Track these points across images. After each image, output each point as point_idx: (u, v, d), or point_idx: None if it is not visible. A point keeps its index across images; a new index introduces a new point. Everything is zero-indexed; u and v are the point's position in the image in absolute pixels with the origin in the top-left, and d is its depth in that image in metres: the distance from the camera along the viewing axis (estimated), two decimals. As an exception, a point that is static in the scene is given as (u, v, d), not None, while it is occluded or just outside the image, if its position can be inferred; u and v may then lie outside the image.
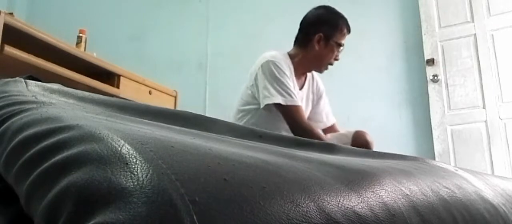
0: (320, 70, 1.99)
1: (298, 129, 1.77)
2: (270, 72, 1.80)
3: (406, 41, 3.17)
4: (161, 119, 0.60)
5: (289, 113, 1.79)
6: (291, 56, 1.93)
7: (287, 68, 1.85)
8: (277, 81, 1.79)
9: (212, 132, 0.60)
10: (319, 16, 1.95)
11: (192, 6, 3.90)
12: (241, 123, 1.87)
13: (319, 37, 1.89)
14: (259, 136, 0.64)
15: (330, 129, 2.05)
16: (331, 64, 1.95)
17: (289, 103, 1.78)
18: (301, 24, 1.98)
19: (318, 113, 2.06)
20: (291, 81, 1.84)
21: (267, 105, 1.79)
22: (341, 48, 1.93)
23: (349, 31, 1.94)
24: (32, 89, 0.64)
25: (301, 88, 1.97)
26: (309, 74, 2.03)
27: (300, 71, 1.95)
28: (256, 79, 1.86)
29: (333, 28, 1.90)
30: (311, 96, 2.04)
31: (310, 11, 1.99)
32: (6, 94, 0.59)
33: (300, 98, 1.92)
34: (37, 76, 0.73)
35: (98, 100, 0.65)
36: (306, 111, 1.98)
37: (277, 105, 1.78)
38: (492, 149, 2.79)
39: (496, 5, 2.97)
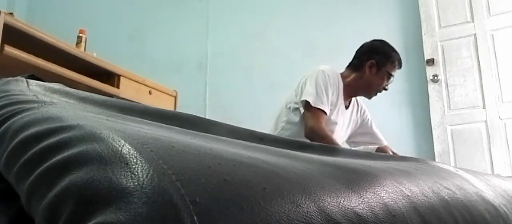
0: (369, 96, 2.10)
1: (313, 132, 1.85)
2: (317, 78, 1.93)
3: (406, 41, 3.17)
4: (161, 120, 0.60)
5: (311, 113, 1.88)
6: (343, 76, 2.06)
7: (335, 84, 1.98)
8: (318, 86, 1.91)
9: (212, 133, 0.59)
10: (375, 46, 2.08)
11: (192, 6, 3.90)
12: (285, 119, 2.00)
13: (371, 64, 2.01)
14: (259, 138, 0.64)
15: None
16: (380, 91, 2.07)
17: (316, 106, 1.87)
18: (357, 50, 2.12)
19: (364, 135, 2.20)
20: (333, 95, 1.95)
21: (301, 101, 1.92)
22: (392, 79, 2.05)
23: (400, 66, 2.07)
24: (33, 89, 0.64)
25: (346, 108, 2.08)
26: (354, 99, 2.15)
27: (348, 92, 2.06)
28: (304, 83, 1.96)
29: (386, 59, 2.02)
30: (354, 119, 2.15)
31: (368, 41, 2.12)
32: (7, 93, 0.59)
33: (344, 117, 2.06)
34: (38, 75, 0.73)
35: (99, 100, 0.65)
36: (346, 132, 2.11)
37: (305, 103, 1.89)
38: (492, 149, 2.79)
39: (496, 5, 2.96)
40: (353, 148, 2.04)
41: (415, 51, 3.11)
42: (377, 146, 2.05)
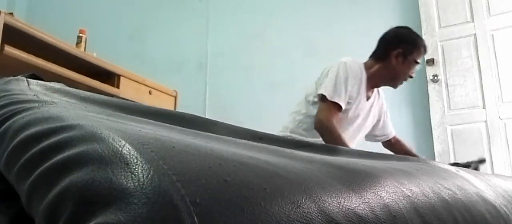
0: (394, 85, 2.05)
1: (322, 125, 1.82)
2: (338, 70, 1.88)
3: (406, 41, 3.17)
4: (161, 120, 0.60)
5: (325, 106, 1.84)
6: (367, 66, 2.00)
7: (357, 75, 1.93)
8: (337, 78, 1.86)
9: (212, 133, 0.59)
10: (401, 34, 2.03)
11: (192, 6, 3.90)
12: (304, 112, 1.95)
13: (398, 53, 1.96)
14: (259, 138, 0.64)
15: (392, 141, 2.22)
16: (406, 79, 2.02)
17: (332, 99, 1.83)
18: (380, 39, 2.06)
19: (382, 128, 2.18)
20: (354, 88, 1.90)
21: (318, 94, 1.87)
22: (417, 66, 2.01)
23: (425, 51, 2.03)
24: (34, 88, 0.64)
25: (367, 99, 2.03)
26: (376, 90, 2.10)
27: (372, 83, 2.01)
28: (326, 75, 1.92)
29: (413, 46, 1.97)
30: (375, 111, 2.10)
31: (392, 29, 2.06)
32: (8, 93, 0.59)
33: (365, 109, 2.00)
34: (39, 75, 0.73)
35: (100, 100, 0.65)
36: (365, 123, 2.05)
37: (321, 96, 1.85)
38: (492, 149, 2.79)
39: (496, 5, 2.96)
40: (350, 148, 2.01)
41: (415, 51, 3.11)
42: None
